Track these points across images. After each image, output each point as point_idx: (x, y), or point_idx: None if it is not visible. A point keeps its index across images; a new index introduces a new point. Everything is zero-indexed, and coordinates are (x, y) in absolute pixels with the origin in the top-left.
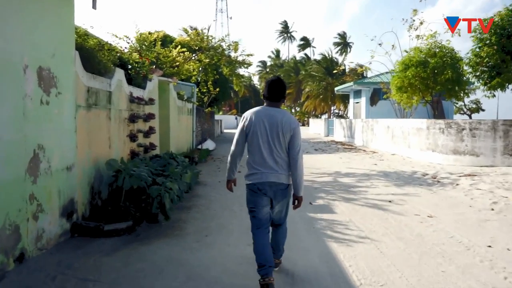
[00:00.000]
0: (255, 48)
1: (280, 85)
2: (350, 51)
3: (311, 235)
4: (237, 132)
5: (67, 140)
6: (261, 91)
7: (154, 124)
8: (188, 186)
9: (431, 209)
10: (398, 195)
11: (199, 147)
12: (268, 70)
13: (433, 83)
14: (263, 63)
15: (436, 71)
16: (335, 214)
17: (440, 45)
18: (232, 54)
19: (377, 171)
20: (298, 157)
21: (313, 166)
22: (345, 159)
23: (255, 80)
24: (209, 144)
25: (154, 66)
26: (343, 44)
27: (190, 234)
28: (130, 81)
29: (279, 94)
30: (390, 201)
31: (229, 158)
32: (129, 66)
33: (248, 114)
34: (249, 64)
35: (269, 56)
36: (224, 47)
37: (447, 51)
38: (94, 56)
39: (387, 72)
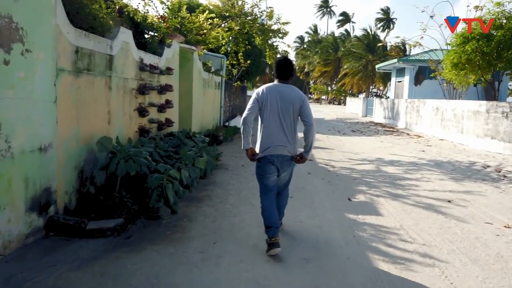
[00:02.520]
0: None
1: (288, 63)
2: (393, 28)
3: (351, 247)
4: (249, 103)
5: (40, 113)
6: (297, 67)
7: (171, 97)
8: (202, 172)
9: (506, 216)
10: (458, 192)
11: (227, 124)
12: (305, 46)
13: (495, 59)
14: (301, 38)
15: (501, 45)
16: (381, 216)
17: (509, 15)
18: (266, 23)
19: (427, 159)
20: (312, 121)
21: (351, 151)
22: (387, 143)
23: (291, 56)
24: (238, 122)
25: (178, 33)
26: (386, 20)
27: (195, 239)
28: (144, 46)
29: (288, 72)
30: (449, 201)
31: (241, 126)
32: (144, 30)
33: (260, 89)
34: (285, 34)
35: (307, 32)
36: (258, 14)
37: None
38: (84, 7)
39: (436, 50)
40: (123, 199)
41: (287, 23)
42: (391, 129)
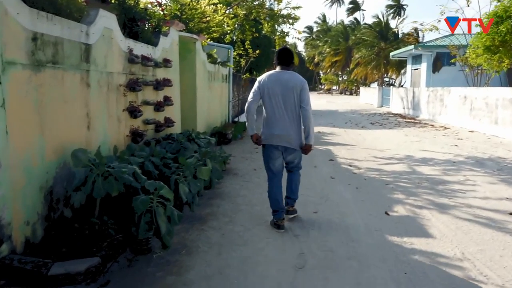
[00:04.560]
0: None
1: (288, 51)
2: (404, 15)
3: None
4: (251, 91)
5: None
6: (306, 58)
7: (171, 93)
8: (207, 182)
9: None
10: None
11: (236, 119)
12: (314, 36)
13: None
14: (309, 28)
15: None
16: (433, 239)
17: None
18: (275, 7)
19: (464, 156)
20: (308, 107)
21: (374, 147)
22: (412, 136)
23: (300, 47)
24: None
25: (178, 20)
26: (397, 6)
27: (193, 285)
28: (136, 35)
29: (289, 58)
30: (511, 214)
31: (246, 113)
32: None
33: (262, 77)
34: (296, 19)
35: (315, 22)
36: None
37: None
38: None
39: (458, 34)
40: (104, 227)
41: (298, 7)
42: (412, 121)
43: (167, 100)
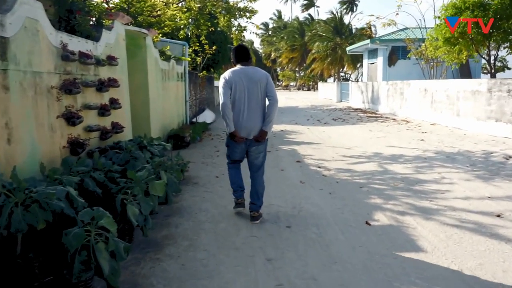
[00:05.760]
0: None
1: (245, 48)
2: (356, 10)
3: None
4: (220, 88)
5: None
6: (263, 55)
7: (118, 95)
8: (163, 198)
9: None
10: (499, 199)
11: (194, 120)
12: (270, 32)
13: (495, 31)
14: (265, 25)
15: (499, 15)
16: (424, 253)
17: None
18: (231, 1)
19: (432, 151)
20: (276, 98)
21: (341, 144)
22: (376, 132)
23: (257, 43)
24: (207, 116)
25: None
26: (349, 2)
27: None
28: (74, 30)
29: (246, 55)
30: (498, 216)
31: (222, 111)
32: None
33: (226, 73)
34: (253, 13)
35: (271, 18)
36: None
37: None
38: None
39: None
40: (29, 267)
41: (255, 0)
42: (373, 115)
43: (114, 103)
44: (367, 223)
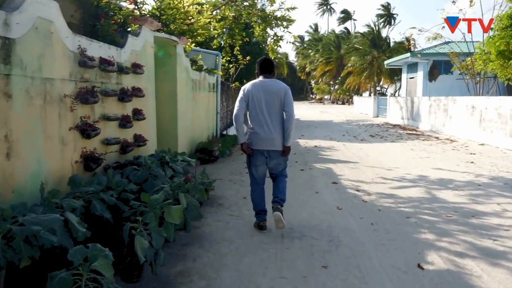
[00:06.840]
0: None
1: (269, 61)
2: (394, 23)
3: None
4: (237, 100)
5: None
6: (297, 67)
7: (142, 105)
8: (181, 225)
9: None
10: None
11: (224, 132)
12: (306, 45)
13: None
14: (301, 38)
15: None
16: None
17: None
18: (268, 9)
19: (487, 176)
20: (292, 112)
21: (381, 165)
22: (419, 151)
23: (292, 56)
24: None
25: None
26: (387, 15)
27: None
28: (97, 35)
29: (270, 67)
30: None
31: (234, 123)
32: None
33: (246, 85)
34: (290, 21)
35: (307, 31)
36: None
37: None
38: None
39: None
40: None
41: (293, 8)
42: (414, 132)
43: (137, 114)
44: (419, 266)
